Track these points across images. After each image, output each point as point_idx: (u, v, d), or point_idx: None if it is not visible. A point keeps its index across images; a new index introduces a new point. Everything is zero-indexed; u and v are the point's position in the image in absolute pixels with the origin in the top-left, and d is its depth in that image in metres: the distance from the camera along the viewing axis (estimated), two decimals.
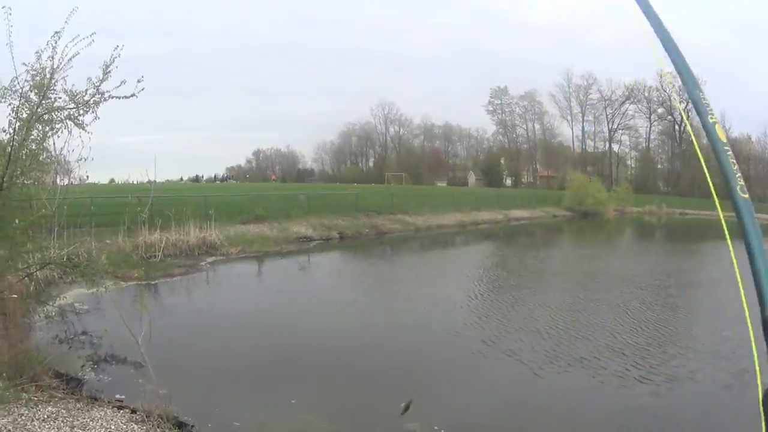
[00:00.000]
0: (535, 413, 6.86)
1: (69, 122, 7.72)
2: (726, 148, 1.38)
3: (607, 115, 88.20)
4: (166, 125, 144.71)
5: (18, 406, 5.55)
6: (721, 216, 1.42)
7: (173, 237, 19.16)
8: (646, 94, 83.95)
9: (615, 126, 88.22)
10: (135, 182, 41.16)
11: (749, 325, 1.25)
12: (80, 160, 8.59)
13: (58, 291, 11.01)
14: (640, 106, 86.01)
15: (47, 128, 7.61)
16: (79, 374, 7.40)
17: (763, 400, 1.20)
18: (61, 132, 7.77)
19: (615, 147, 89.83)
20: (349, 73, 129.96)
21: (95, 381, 7.35)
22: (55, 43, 7.07)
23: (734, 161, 1.38)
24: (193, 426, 6.05)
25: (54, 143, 8.24)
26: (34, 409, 5.51)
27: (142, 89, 7.88)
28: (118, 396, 6.65)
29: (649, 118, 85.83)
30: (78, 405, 5.92)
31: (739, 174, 1.36)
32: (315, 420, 6.41)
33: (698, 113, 1.47)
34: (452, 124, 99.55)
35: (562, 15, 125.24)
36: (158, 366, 6.95)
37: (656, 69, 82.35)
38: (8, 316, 7.38)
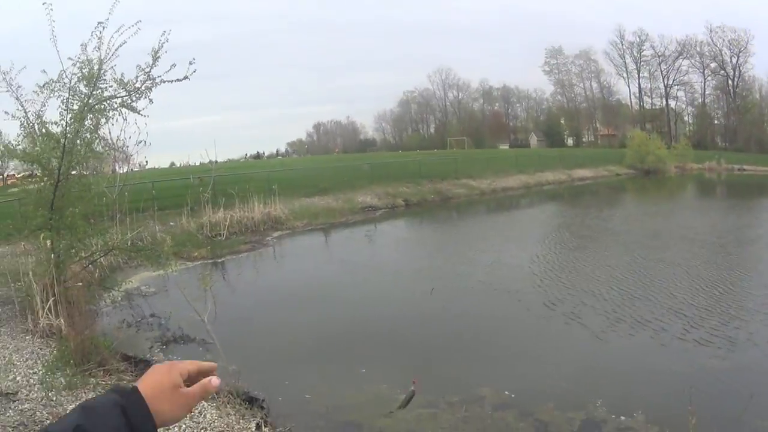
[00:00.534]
0: (599, 378, 6.75)
1: (123, 109, 7.82)
2: None
3: (662, 71, 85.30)
4: (225, 106, 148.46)
5: (86, 390, 5.70)
6: None
7: (237, 214, 19.33)
8: (698, 49, 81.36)
9: (670, 82, 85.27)
10: (196, 164, 42.15)
11: None
12: (139, 144, 8.76)
13: (123, 276, 11.31)
14: (693, 61, 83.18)
15: (100, 117, 7.71)
16: (147, 356, 7.56)
17: None
18: (116, 120, 7.89)
19: (672, 103, 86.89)
20: (404, 45, 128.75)
21: (164, 361, 7.48)
22: (100, 33, 7.09)
23: None
24: (263, 400, 6.07)
25: (110, 132, 8.41)
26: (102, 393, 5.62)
27: (194, 71, 7.92)
28: None
29: (703, 73, 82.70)
30: None
31: None
32: (385, 389, 6.34)
33: None
34: (510, 86, 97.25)
35: None
36: (226, 343, 7.05)
37: (705, 23, 79.98)
38: (73, 304, 7.61)
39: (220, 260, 15.20)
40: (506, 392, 6.18)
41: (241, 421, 5.44)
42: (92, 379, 5.97)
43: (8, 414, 5.16)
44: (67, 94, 7.18)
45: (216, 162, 22.27)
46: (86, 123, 7.52)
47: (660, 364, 6.92)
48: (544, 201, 31.94)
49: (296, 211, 21.77)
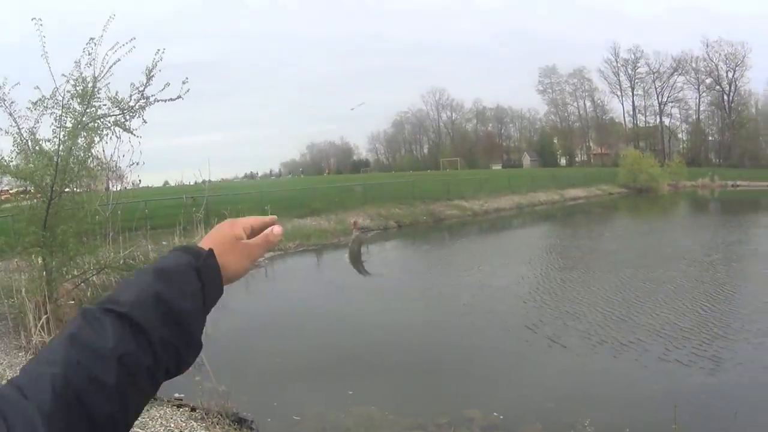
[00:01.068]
0: (586, 398, 6.75)
1: (116, 128, 7.84)
2: None
3: (656, 88, 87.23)
4: (218, 126, 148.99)
5: None
6: None
7: None
8: (694, 65, 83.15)
9: (665, 99, 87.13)
10: (190, 183, 42.03)
11: None
12: (132, 164, 8.75)
13: None
14: (688, 77, 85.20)
15: (94, 135, 7.73)
16: None
17: None
18: (110, 138, 7.91)
19: (666, 120, 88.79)
20: (398, 65, 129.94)
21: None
22: (92, 50, 7.15)
23: None
24: (252, 421, 6.05)
25: (104, 150, 8.43)
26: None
27: (187, 91, 7.83)
28: (177, 394, 6.70)
29: (698, 89, 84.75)
30: None
31: None
32: (374, 411, 6.34)
33: None
34: (504, 106, 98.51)
35: None
36: (216, 363, 7.01)
37: (702, 38, 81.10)
38: (64, 322, 7.56)
39: None
40: (495, 413, 6.16)
41: None
42: None
43: None
44: (60, 111, 7.23)
45: (209, 182, 22.23)
46: (79, 141, 7.55)
47: (645, 384, 6.93)
48: (536, 222, 32.09)
49: (288, 231, 21.74)
